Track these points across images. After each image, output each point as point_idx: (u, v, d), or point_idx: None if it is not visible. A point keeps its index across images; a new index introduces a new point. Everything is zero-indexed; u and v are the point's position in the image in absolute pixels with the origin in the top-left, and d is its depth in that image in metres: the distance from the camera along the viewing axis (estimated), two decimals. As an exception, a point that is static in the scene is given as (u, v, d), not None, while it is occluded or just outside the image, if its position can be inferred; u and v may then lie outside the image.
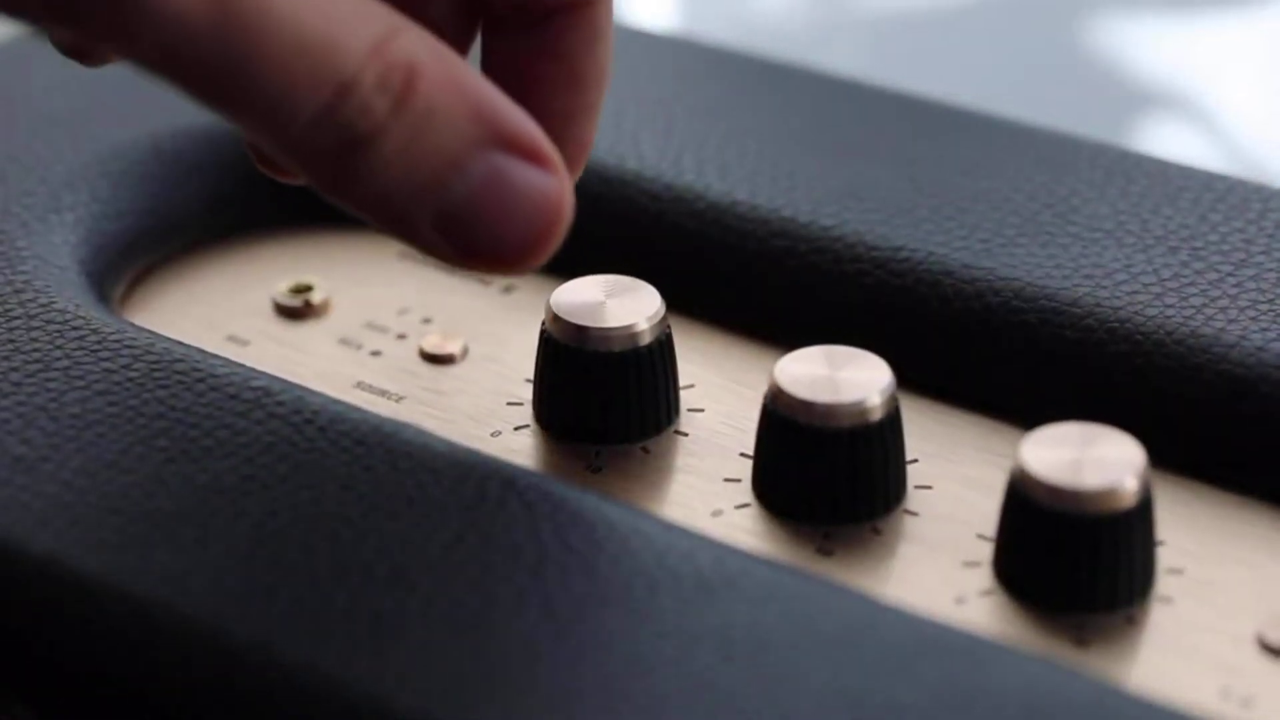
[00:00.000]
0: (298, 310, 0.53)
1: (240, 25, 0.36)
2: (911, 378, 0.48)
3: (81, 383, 0.46)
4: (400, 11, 0.40)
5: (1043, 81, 1.04)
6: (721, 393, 0.49)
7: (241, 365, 0.47)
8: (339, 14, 0.37)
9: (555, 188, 0.40)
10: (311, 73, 0.37)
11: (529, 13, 0.44)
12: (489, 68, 0.45)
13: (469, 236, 0.40)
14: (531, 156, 0.40)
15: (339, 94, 0.37)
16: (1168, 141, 1.00)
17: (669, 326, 0.47)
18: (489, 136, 0.39)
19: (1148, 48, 1.07)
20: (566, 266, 0.45)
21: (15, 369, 0.46)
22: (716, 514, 0.46)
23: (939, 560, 0.44)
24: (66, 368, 0.46)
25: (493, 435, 0.48)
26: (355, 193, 0.39)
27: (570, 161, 0.44)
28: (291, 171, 0.40)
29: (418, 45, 0.39)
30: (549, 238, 0.40)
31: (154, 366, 0.46)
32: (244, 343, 0.52)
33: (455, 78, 0.39)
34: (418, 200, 0.39)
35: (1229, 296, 0.48)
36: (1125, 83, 1.04)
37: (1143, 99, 1.04)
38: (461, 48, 0.45)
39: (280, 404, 0.45)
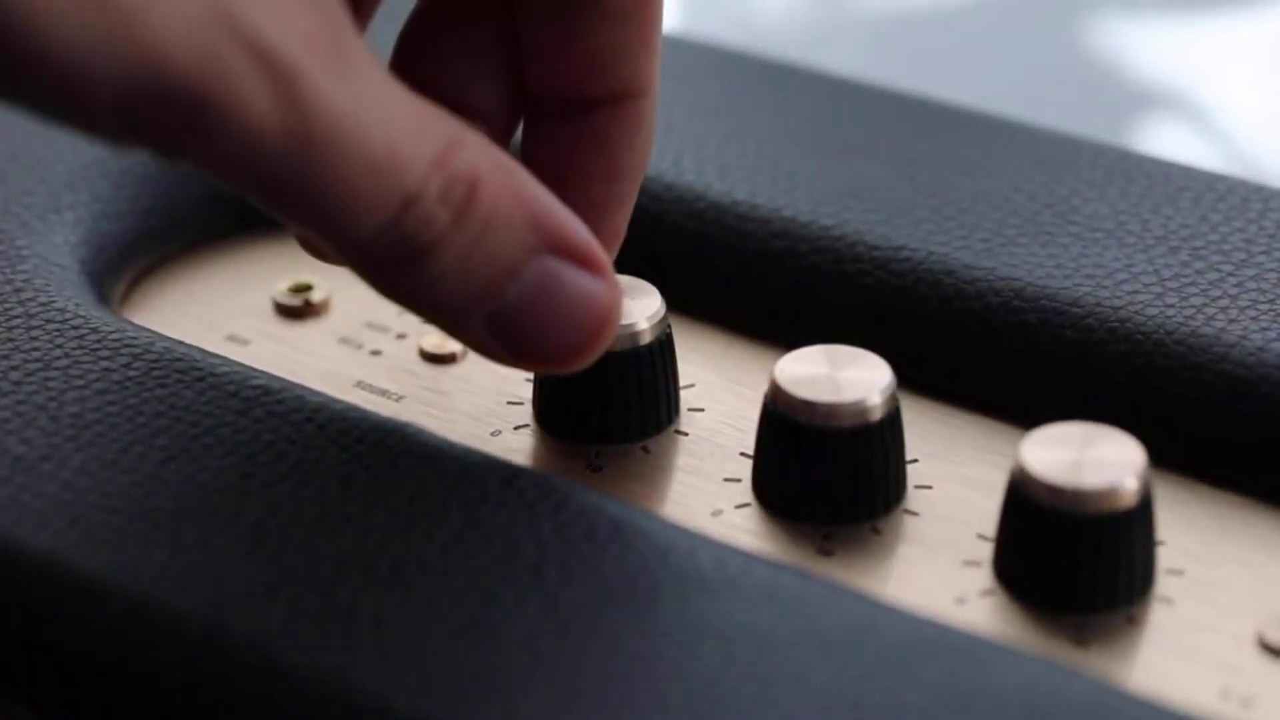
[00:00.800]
0: (298, 309, 0.53)
1: (311, 144, 0.37)
2: (912, 377, 0.48)
3: (81, 382, 0.46)
4: (444, 99, 0.42)
5: (1043, 82, 1.04)
6: (722, 392, 0.49)
7: (241, 364, 0.46)
8: (404, 127, 0.38)
9: (605, 293, 0.41)
10: (378, 188, 0.38)
11: (573, 102, 0.44)
12: (527, 153, 0.45)
13: (519, 338, 0.41)
14: (584, 262, 0.41)
15: (403, 207, 0.38)
16: (1168, 142, 1.00)
17: (669, 326, 0.47)
18: (544, 242, 0.40)
19: (1148, 48, 1.07)
20: (567, 266, 0.45)
21: (15, 368, 0.46)
22: (716, 514, 0.46)
23: (939, 560, 0.44)
24: (66, 367, 0.46)
25: (493, 435, 0.48)
26: (412, 296, 0.40)
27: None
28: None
29: (478, 154, 0.39)
30: (598, 341, 0.41)
31: (154, 366, 0.46)
32: (244, 342, 0.52)
33: (513, 185, 0.40)
34: (473, 304, 0.40)
35: (1229, 296, 0.48)
36: (1125, 83, 1.04)
37: (1143, 99, 1.04)
38: (504, 135, 0.45)
39: (280, 403, 0.45)
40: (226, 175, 0.37)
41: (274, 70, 0.36)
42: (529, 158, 0.45)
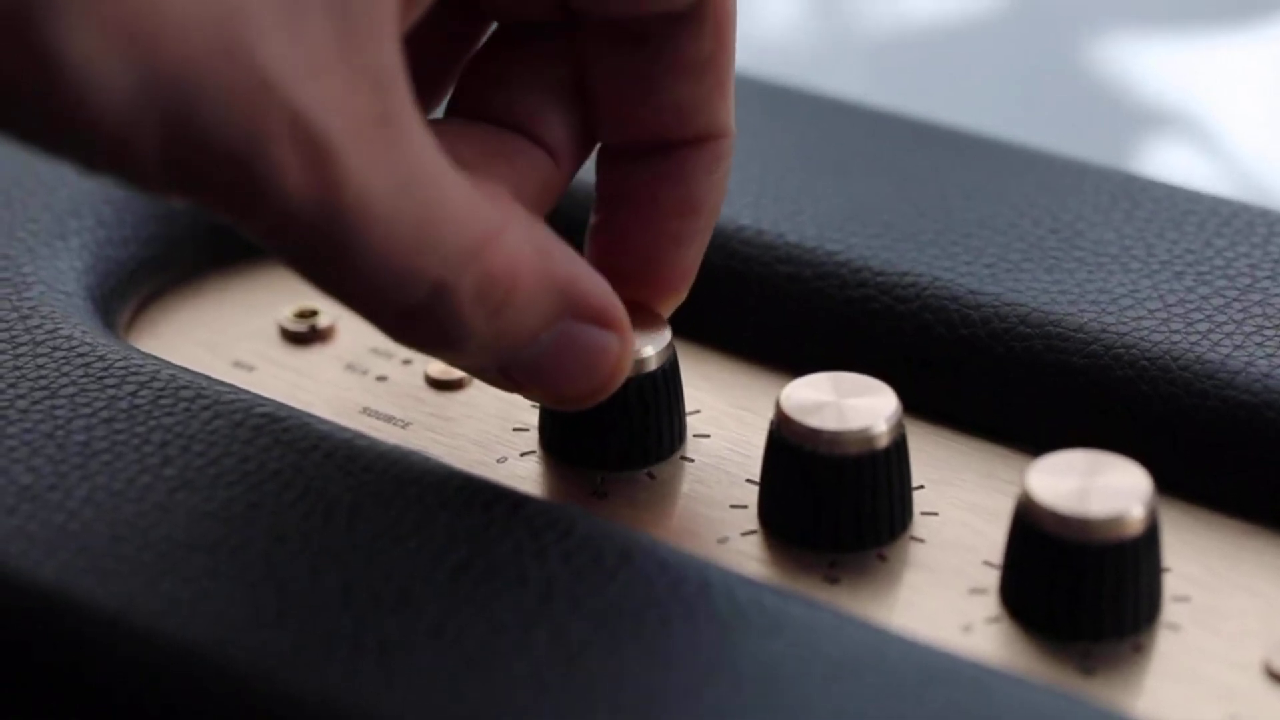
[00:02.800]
0: (303, 335, 0.53)
1: (343, 218, 0.37)
2: (917, 404, 0.48)
3: (88, 409, 0.46)
4: (512, 128, 0.43)
5: (1048, 102, 1.04)
6: (728, 419, 0.49)
7: (247, 391, 0.47)
8: (444, 212, 0.38)
9: (616, 347, 0.42)
10: (406, 271, 0.38)
11: (651, 146, 0.45)
12: (603, 187, 0.45)
13: (528, 382, 0.42)
14: (600, 320, 0.42)
15: (433, 293, 0.39)
16: (1173, 162, 1.00)
17: (675, 352, 0.47)
18: (566, 309, 0.41)
19: (1153, 68, 1.07)
20: (572, 293, 0.45)
21: (21, 396, 0.46)
22: (723, 541, 0.45)
23: (945, 587, 0.44)
24: (72, 395, 0.46)
25: (499, 461, 0.48)
26: (436, 356, 0.43)
27: (674, 284, 0.46)
28: None
29: (519, 243, 0.40)
30: (603, 390, 0.43)
31: (160, 393, 0.46)
32: (249, 368, 0.52)
33: (548, 268, 0.41)
34: (491, 362, 0.42)
35: (1234, 322, 0.48)
36: (1130, 103, 1.04)
37: (1148, 120, 1.04)
38: (572, 167, 0.45)
39: (286, 430, 0.45)
40: (262, 238, 0.38)
41: (310, 142, 0.36)
42: (605, 192, 0.45)
